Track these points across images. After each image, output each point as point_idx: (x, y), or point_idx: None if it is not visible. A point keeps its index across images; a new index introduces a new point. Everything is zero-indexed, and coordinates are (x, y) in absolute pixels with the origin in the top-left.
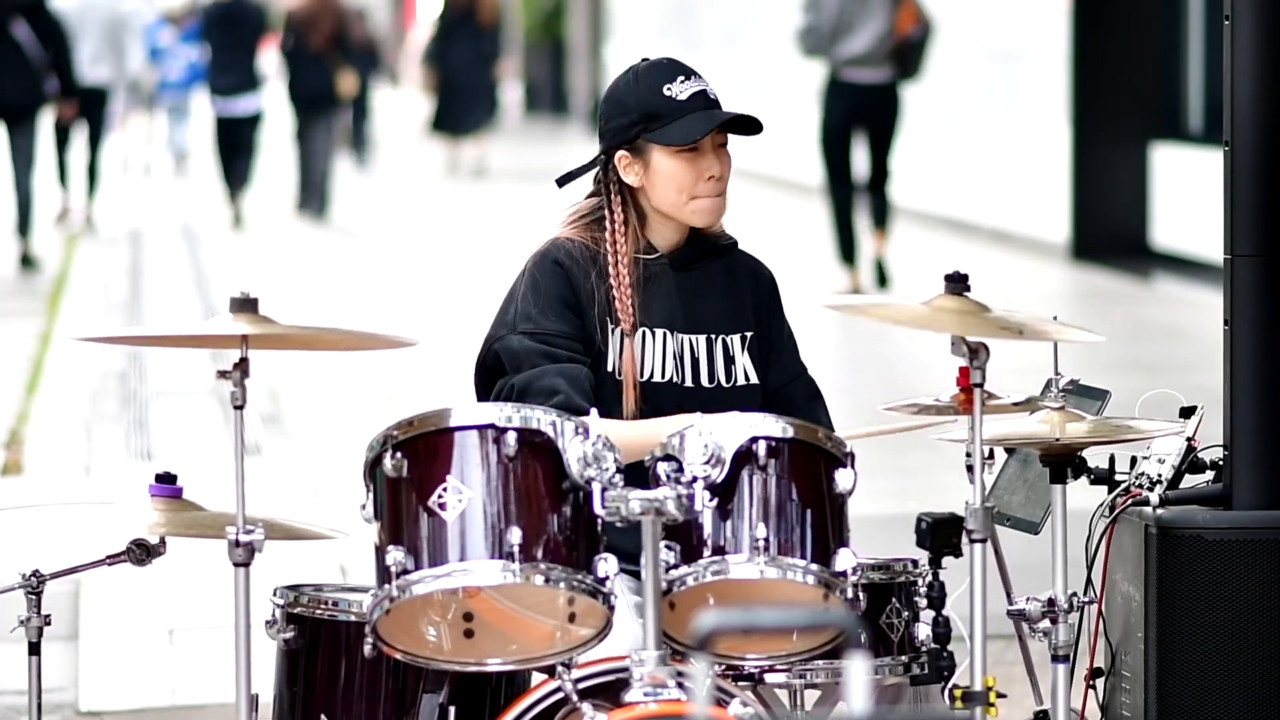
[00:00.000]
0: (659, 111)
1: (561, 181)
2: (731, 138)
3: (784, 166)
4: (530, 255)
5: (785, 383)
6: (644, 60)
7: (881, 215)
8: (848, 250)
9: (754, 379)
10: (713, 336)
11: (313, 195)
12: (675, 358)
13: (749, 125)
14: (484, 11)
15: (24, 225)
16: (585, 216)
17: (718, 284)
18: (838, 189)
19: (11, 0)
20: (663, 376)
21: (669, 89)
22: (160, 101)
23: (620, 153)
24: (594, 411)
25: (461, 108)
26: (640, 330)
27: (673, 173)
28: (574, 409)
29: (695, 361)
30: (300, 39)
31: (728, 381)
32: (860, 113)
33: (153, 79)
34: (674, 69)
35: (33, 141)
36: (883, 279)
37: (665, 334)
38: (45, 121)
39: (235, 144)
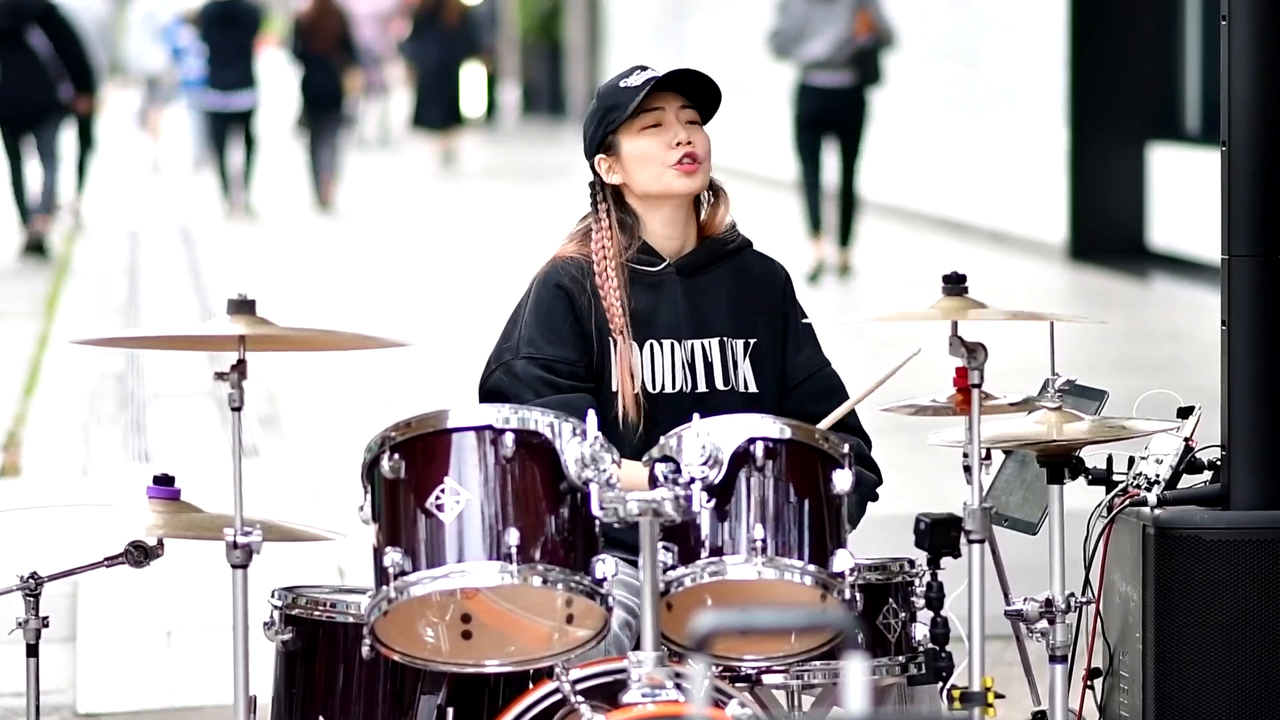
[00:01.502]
0: (616, 102)
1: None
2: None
3: (779, 166)
4: (534, 277)
5: (805, 378)
6: None
7: (845, 232)
8: (815, 224)
9: (754, 388)
10: (725, 340)
11: (326, 190)
12: (684, 367)
13: (704, 85)
14: (449, 12)
15: (48, 206)
16: (584, 231)
17: (727, 288)
18: (808, 179)
19: (26, 8)
20: (673, 387)
21: (624, 82)
22: (179, 99)
23: (598, 157)
24: (590, 415)
25: (433, 104)
26: (647, 343)
27: (641, 151)
28: None
29: (709, 365)
30: (307, 42)
31: (725, 385)
32: (826, 115)
33: (174, 78)
34: (635, 67)
35: (54, 141)
36: (845, 269)
37: (673, 344)
38: (66, 123)
39: (231, 139)
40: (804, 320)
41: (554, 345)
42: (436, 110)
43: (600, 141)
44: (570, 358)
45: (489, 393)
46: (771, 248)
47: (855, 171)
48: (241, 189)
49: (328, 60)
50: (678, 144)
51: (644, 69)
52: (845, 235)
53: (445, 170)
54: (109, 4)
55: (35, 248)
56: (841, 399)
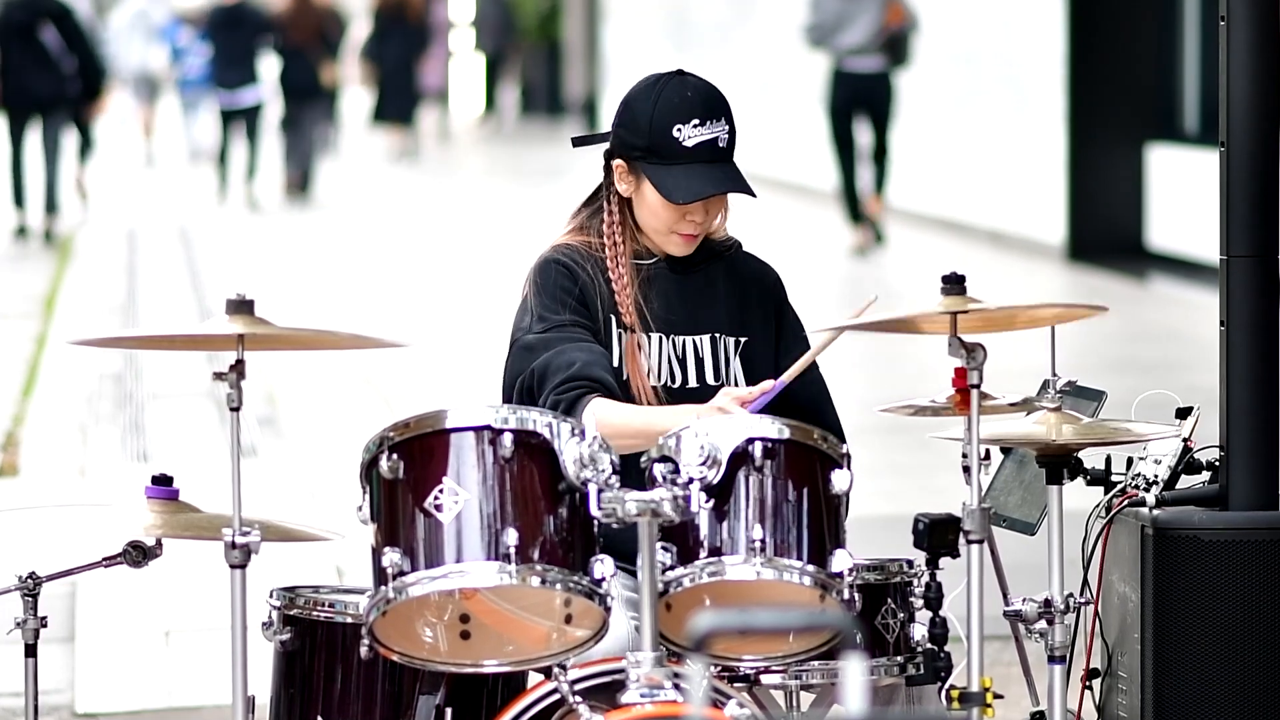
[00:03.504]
0: (662, 151)
1: (576, 142)
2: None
3: (776, 165)
4: (533, 263)
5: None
6: (676, 74)
7: (879, 182)
8: (854, 212)
9: (744, 385)
10: (716, 336)
11: (298, 179)
12: (671, 361)
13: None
14: (411, 11)
15: (51, 204)
16: (584, 222)
17: (720, 286)
18: (844, 163)
19: (41, 7)
20: (657, 380)
21: (679, 130)
22: (181, 97)
23: (618, 161)
24: (590, 411)
25: (398, 99)
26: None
27: (657, 208)
28: (591, 378)
29: (700, 361)
30: (285, 37)
31: (716, 382)
32: (859, 97)
33: (172, 77)
34: (693, 109)
35: (59, 132)
36: (878, 235)
37: (661, 338)
38: (68, 118)
39: (239, 133)
40: (797, 324)
41: (561, 313)
42: (397, 105)
43: (626, 156)
44: (579, 321)
45: (514, 374)
46: (773, 243)
47: (888, 146)
48: (245, 182)
49: (305, 53)
50: (691, 219)
51: (703, 120)
52: (879, 182)
53: (403, 164)
54: (91, 7)
55: (48, 236)
56: (828, 403)
